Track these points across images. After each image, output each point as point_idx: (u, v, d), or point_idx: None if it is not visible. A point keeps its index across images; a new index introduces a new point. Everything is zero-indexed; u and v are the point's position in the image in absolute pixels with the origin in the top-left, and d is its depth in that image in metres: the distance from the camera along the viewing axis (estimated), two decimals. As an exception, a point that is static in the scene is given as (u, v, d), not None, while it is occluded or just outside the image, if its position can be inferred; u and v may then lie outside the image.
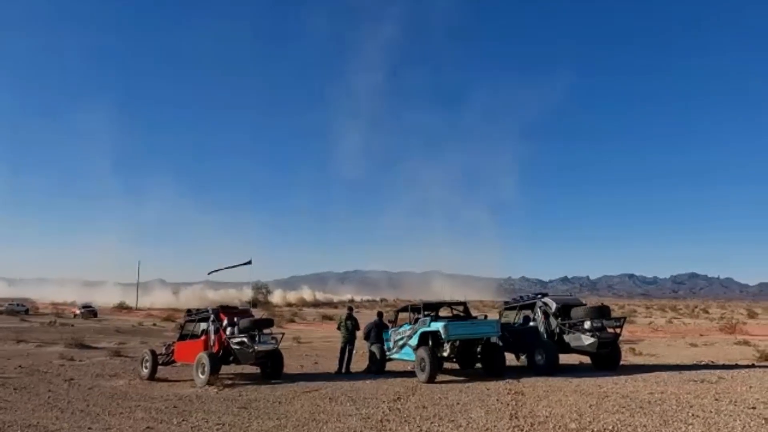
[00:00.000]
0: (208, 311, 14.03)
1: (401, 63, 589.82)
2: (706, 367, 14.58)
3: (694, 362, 16.41)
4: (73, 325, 37.78)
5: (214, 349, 13.13)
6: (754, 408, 8.41)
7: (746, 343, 23.09)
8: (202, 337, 13.65)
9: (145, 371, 13.78)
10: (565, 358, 14.41)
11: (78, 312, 53.44)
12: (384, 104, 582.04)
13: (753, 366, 14.60)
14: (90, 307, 56.41)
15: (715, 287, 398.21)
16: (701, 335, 30.67)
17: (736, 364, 15.14)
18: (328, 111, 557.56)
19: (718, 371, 12.94)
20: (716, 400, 9.13)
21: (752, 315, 60.25)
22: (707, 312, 71.44)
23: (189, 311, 15.33)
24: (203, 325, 13.97)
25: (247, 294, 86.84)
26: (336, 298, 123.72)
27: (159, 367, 14.06)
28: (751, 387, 10.38)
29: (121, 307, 72.32)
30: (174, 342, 14.99)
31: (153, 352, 14.05)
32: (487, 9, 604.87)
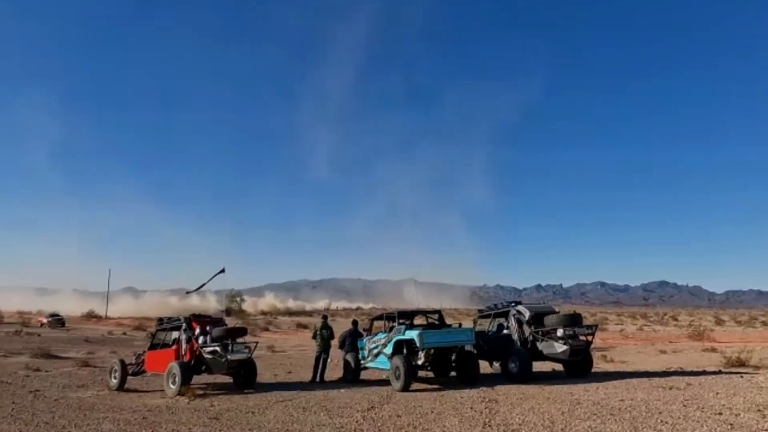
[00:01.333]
0: (180, 320, 13.82)
1: (373, 63, 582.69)
2: (675, 373, 14.86)
3: (664, 369, 16.71)
4: (39, 335, 36.75)
5: (186, 359, 12.92)
6: (720, 414, 8.60)
7: (713, 350, 23.60)
8: (174, 347, 13.43)
9: (114, 381, 13.49)
10: (538, 366, 14.53)
11: (45, 321, 52.04)
12: (355, 105, 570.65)
13: (720, 372, 14.93)
14: (58, 315, 54.95)
15: (684, 295, 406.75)
16: (670, 342, 31.26)
17: (704, 371, 15.46)
18: (297, 111, 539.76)
19: (686, 378, 13.20)
20: (684, 406, 9.31)
21: (719, 322, 61.75)
22: (676, 319, 72.94)
23: (160, 320, 15.07)
24: (175, 334, 13.76)
25: (211, 302, 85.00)
26: (309, 306, 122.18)
27: (129, 377, 13.78)
28: (717, 393, 10.61)
29: (90, 316, 70.65)
30: (144, 351, 14.72)
31: (122, 362, 13.76)
32: (459, 11, 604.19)
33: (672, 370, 16.36)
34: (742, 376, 13.37)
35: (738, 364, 16.87)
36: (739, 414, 8.55)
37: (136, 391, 13.38)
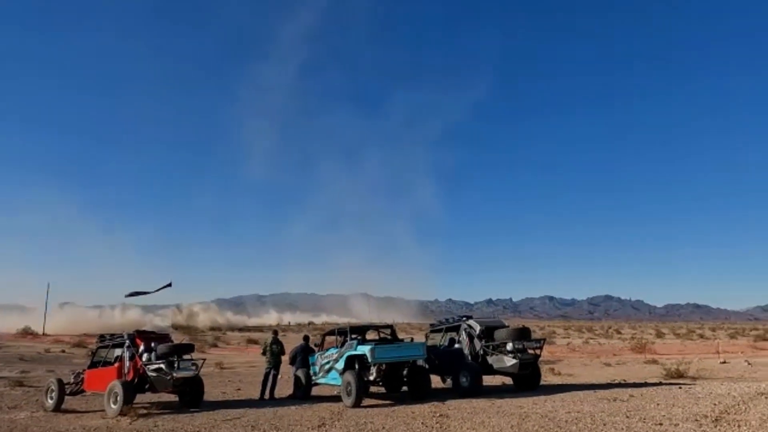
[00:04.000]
0: (123, 336, 13.31)
1: (317, 61, 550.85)
2: (619, 385, 15.33)
3: (608, 381, 17.22)
4: (-32, 353, 34.59)
5: (129, 377, 12.43)
6: (660, 424, 8.91)
7: (654, 361, 24.51)
8: (116, 364, 12.90)
9: (50, 402, 12.83)
10: (488, 380, 14.70)
11: (-25, 338, 49.12)
12: (298, 104, 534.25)
13: (660, 384, 15.50)
14: (-11, 332, 52.00)
15: (627, 309, 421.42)
16: (615, 355, 32.28)
17: (645, 382, 16.01)
18: (235, 107, 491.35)
19: (629, 389, 13.63)
20: (627, 417, 9.60)
21: (660, 335, 64.12)
22: (620, 332, 75.23)
23: (102, 337, 14.48)
24: (118, 351, 13.23)
25: (132, 316, 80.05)
26: (254, 321, 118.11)
27: (66, 397, 13.15)
28: (658, 404, 10.99)
29: (26, 333, 67.03)
30: (84, 370, 14.08)
31: (59, 381, 13.12)
32: (405, 8, 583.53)
33: (616, 382, 16.87)
34: (680, 387, 13.92)
35: (677, 376, 17.59)
36: (678, 424, 8.88)
37: (74, 411, 12.77)
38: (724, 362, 24.45)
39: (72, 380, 13.90)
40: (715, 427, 8.62)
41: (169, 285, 14.95)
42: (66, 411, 12.74)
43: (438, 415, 10.55)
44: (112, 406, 11.70)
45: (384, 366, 13.09)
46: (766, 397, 11.55)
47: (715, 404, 10.77)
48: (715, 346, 35.80)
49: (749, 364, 23.62)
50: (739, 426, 8.63)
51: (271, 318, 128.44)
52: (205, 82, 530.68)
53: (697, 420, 9.15)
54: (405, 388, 14.07)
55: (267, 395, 14.53)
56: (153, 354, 12.37)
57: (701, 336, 61.62)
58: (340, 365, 13.36)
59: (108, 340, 13.89)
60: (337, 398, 13.24)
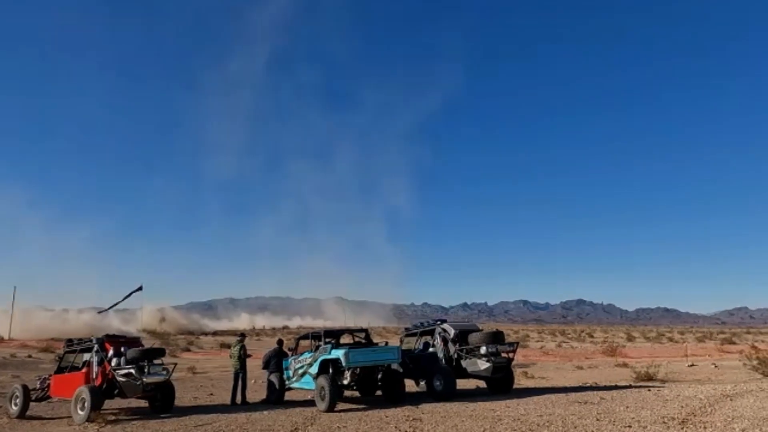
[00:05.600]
0: (91, 341, 13.04)
1: (288, 55, 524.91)
2: (590, 388, 15.55)
3: (580, 384, 17.44)
4: (-71, 358, 33.45)
5: (97, 382, 12.17)
6: (629, 426, 9.07)
7: (625, 365, 24.88)
8: (84, 369, 12.63)
9: (15, 408, 12.51)
10: (462, 383, 14.76)
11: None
12: (267, 100, 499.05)
13: (630, 387, 15.76)
14: (-48, 337, 50.45)
15: (599, 312, 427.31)
16: (587, 358, 32.69)
17: (616, 385, 16.27)
18: (200, 102, 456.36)
19: (600, 392, 13.84)
20: (597, 420, 9.74)
21: (631, 338, 65.23)
22: (592, 336, 76.29)
23: (70, 341, 14.16)
24: (86, 356, 12.97)
25: (84, 319, 77.41)
26: (227, 325, 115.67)
27: (32, 403, 12.83)
28: (627, 407, 11.19)
29: (-9, 337, 64.98)
30: (50, 375, 13.75)
31: (24, 387, 12.80)
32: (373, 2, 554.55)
33: (587, 385, 17.11)
34: (650, 390, 14.18)
35: (647, 379, 17.91)
36: (647, 426, 9.04)
37: (39, 418, 12.48)
38: (692, 365, 24.98)
39: (38, 386, 13.58)
40: (682, 428, 8.80)
41: (140, 289, 14.69)
42: (31, 417, 12.44)
43: (411, 419, 10.57)
44: (80, 412, 11.45)
45: (358, 370, 13.07)
46: (731, 399, 11.85)
47: (682, 406, 11.01)
48: (684, 350, 36.59)
49: (716, 366, 24.19)
50: (705, 427, 8.83)
51: (242, 321, 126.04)
52: (166, 76, 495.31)
53: (665, 422, 9.33)
54: (379, 392, 14.06)
55: (239, 399, 14.36)
56: (122, 358, 12.16)
57: (670, 339, 62.89)
58: (314, 369, 13.29)
59: (76, 344, 13.60)
60: (310, 403, 13.17)
